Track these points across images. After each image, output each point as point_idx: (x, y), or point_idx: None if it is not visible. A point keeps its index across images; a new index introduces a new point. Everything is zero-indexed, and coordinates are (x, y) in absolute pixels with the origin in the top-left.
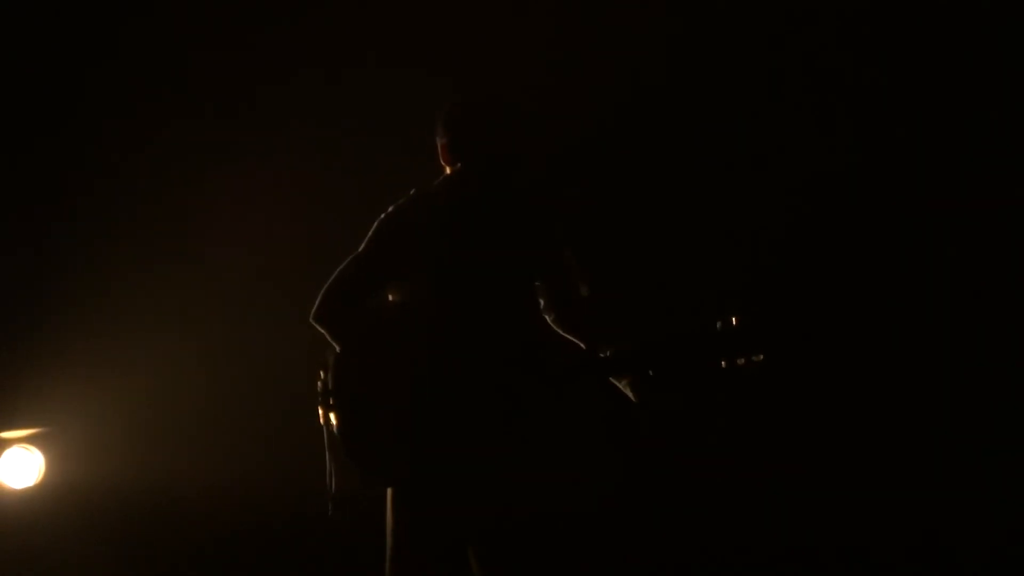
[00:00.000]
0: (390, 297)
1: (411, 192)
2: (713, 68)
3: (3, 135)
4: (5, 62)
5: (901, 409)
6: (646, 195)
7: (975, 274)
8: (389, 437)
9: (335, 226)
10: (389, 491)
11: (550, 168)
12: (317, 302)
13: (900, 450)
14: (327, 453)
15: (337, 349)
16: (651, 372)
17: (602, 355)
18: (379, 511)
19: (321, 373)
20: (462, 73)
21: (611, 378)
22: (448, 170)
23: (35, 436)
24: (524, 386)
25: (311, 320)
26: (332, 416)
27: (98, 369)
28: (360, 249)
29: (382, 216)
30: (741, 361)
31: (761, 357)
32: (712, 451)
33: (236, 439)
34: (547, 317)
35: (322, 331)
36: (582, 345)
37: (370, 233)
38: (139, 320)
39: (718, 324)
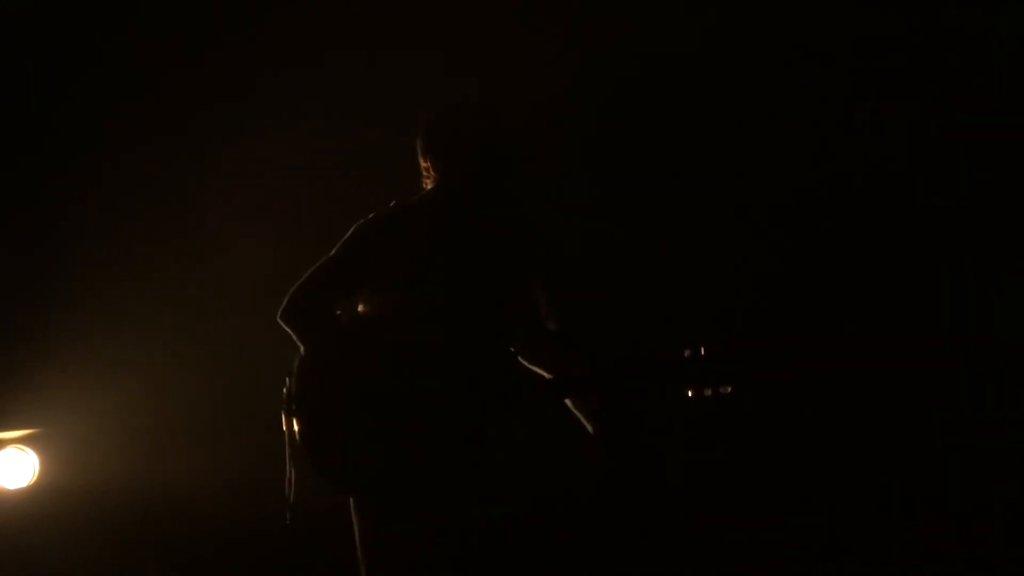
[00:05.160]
0: (360, 307)
1: (391, 204)
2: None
3: None
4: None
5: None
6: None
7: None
8: (353, 446)
9: (330, 228)
10: (352, 500)
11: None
12: (285, 301)
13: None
14: (288, 461)
15: (301, 351)
16: (613, 398)
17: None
18: (341, 518)
19: (287, 379)
20: (465, 70)
21: (571, 407)
22: (430, 184)
23: (30, 437)
24: (491, 403)
25: (278, 318)
26: (295, 423)
27: (93, 370)
28: (333, 252)
29: (360, 222)
30: (708, 392)
31: (729, 390)
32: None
33: (231, 440)
34: (514, 347)
35: (288, 330)
36: (545, 375)
37: (345, 238)
38: (135, 321)
39: (686, 352)
